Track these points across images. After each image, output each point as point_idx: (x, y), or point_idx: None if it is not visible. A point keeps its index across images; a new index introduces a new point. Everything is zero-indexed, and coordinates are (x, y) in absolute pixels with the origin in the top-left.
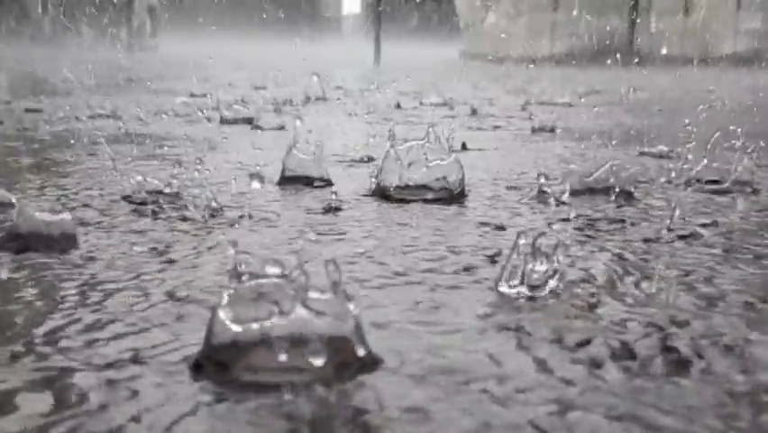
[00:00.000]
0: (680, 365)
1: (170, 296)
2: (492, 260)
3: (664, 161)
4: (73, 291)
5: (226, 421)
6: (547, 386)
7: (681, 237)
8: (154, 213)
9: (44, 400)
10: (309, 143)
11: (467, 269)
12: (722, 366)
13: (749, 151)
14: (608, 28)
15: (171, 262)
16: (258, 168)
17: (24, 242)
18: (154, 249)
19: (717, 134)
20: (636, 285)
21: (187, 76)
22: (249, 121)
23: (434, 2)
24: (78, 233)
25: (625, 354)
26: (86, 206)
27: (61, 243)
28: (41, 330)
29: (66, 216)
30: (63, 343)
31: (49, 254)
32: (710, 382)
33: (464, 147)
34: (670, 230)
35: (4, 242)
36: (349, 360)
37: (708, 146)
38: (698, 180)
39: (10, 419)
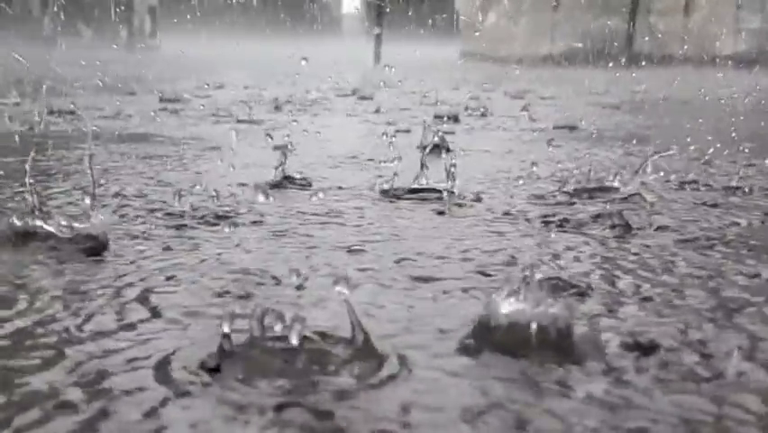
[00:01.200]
0: (710, 368)
1: (172, 303)
2: (484, 271)
3: (670, 161)
4: (70, 294)
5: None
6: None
7: (697, 239)
8: (151, 219)
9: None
10: (301, 145)
11: (457, 275)
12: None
13: (750, 152)
14: (608, 28)
15: (168, 260)
16: (262, 178)
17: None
18: (156, 253)
19: (721, 136)
20: (657, 289)
21: (188, 76)
22: (249, 122)
23: (434, 2)
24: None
25: (645, 357)
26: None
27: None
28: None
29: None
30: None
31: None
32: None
33: (462, 149)
34: (661, 229)
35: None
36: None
37: (714, 148)
38: (705, 183)
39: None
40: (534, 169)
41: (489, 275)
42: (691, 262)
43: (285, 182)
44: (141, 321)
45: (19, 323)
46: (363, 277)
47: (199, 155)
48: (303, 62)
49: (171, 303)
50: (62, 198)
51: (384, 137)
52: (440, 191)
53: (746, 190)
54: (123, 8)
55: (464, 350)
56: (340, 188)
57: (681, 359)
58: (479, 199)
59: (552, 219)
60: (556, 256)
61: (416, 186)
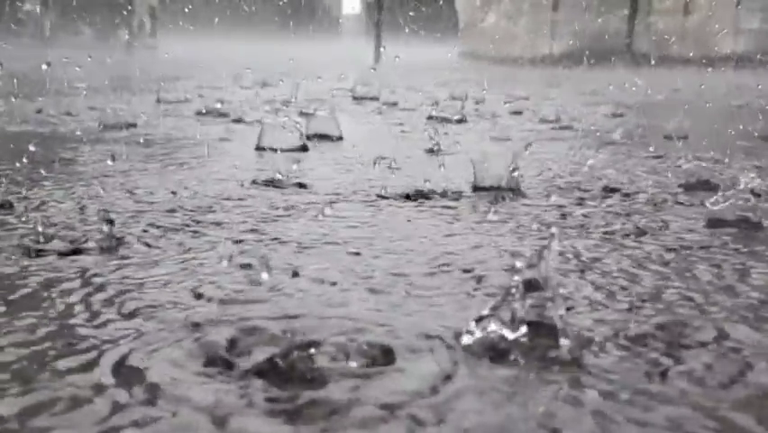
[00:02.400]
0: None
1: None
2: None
3: (674, 163)
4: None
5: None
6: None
7: (705, 240)
8: (149, 221)
9: None
10: (300, 145)
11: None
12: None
13: (756, 153)
14: (607, 28)
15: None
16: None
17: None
18: (157, 255)
19: (724, 137)
20: (679, 291)
21: (187, 76)
22: (249, 122)
23: (434, 2)
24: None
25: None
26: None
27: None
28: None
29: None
30: None
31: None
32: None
33: (462, 150)
34: (670, 230)
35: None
36: None
37: (718, 149)
38: (710, 183)
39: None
40: (538, 170)
41: (486, 278)
42: (700, 263)
43: (284, 183)
44: (144, 321)
45: (16, 322)
46: (360, 280)
47: (198, 156)
48: (295, 90)
49: (173, 304)
50: (65, 204)
51: (382, 138)
52: (442, 193)
53: (755, 192)
54: (126, 9)
55: (453, 354)
56: (339, 189)
57: (699, 363)
58: (495, 201)
59: (556, 220)
60: (559, 258)
61: (418, 187)
